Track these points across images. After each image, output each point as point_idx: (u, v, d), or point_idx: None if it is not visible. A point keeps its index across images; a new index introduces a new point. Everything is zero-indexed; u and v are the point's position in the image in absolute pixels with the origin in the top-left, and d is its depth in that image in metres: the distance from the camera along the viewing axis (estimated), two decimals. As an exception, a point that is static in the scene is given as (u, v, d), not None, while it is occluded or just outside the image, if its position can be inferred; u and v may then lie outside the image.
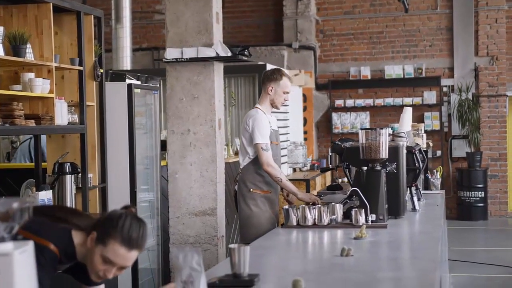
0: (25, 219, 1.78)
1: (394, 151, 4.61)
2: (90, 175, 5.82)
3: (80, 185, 5.65)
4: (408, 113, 5.68)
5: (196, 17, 5.92)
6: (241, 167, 5.46)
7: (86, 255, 2.70)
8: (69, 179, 5.47)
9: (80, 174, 5.64)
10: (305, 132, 12.51)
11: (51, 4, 5.26)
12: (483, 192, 12.49)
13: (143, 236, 2.68)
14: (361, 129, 4.54)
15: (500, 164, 12.84)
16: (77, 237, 2.72)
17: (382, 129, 4.49)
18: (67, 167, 5.46)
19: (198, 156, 5.91)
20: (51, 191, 5.24)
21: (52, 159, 5.71)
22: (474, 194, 12.47)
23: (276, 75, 5.45)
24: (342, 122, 13.12)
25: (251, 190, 5.35)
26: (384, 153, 4.46)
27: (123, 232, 2.63)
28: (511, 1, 12.85)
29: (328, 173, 11.58)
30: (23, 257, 1.74)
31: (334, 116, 13.14)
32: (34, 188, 5.45)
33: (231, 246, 2.75)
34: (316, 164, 10.99)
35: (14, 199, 1.77)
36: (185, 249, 2.65)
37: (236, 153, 8.18)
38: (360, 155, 4.51)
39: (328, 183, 11.43)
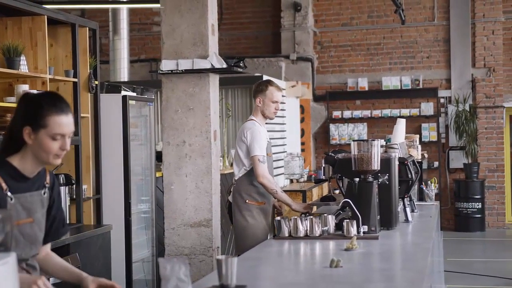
0: (7, 229, 1.79)
1: (386, 162, 4.62)
2: (84, 187, 5.84)
3: (74, 196, 5.67)
4: (401, 124, 5.70)
5: (192, 29, 5.94)
6: (236, 178, 5.50)
7: (33, 158, 2.73)
8: (63, 191, 5.48)
9: (74, 186, 5.65)
10: (302, 143, 12.53)
11: (46, 16, 5.30)
12: (480, 203, 12.49)
13: (63, 98, 2.78)
14: (353, 140, 4.55)
15: (497, 175, 12.85)
16: (12, 159, 2.74)
17: (374, 140, 4.50)
18: (62, 179, 5.48)
19: (194, 167, 5.93)
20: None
21: (46, 171, 5.72)
22: (472, 205, 12.47)
23: (262, 86, 5.53)
24: (340, 133, 13.14)
25: (247, 201, 5.38)
26: (376, 165, 4.47)
27: (50, 105, 2.70)
28: (507, 13, 12.89)
29: (325, 184, 11.59)
30: (4, 269, 1.75)
31: (332, 127, 13.16)
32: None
33: (219, 257, 2.76)
34: (313, 175, 11.00)
35: (-4, 210, 1.78)
36: (173, 260, 2.67)
37: (232, 165, 8.19)
38: (352, 167, 4.52)
39: (325, 194, 11.44)
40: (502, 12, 12.83)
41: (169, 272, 2.62)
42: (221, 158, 8.34)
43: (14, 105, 5.07)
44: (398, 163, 4.85)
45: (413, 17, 13.02)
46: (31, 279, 2.57)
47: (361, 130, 13.05)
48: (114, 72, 10.82)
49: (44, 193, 2.85)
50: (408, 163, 5.08)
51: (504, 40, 12.87)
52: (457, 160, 12.82)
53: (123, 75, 10.82)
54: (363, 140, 4.52)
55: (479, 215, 12.50)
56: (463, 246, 11.27)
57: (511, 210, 13.27)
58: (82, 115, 5.83)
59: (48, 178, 2.89)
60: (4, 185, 2.67)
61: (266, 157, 5.35)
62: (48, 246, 3.02)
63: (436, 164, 12.79)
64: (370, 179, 4.49)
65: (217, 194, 6.10)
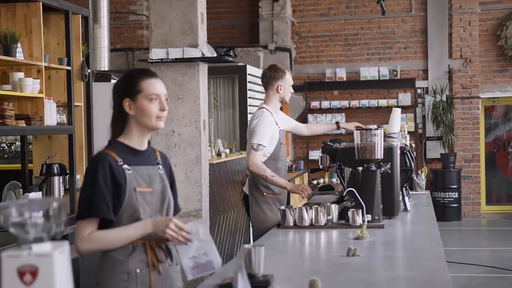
0: (63, 219, 1.75)
1: (388, 151, 4.62)
2: (78, 176, 5.75)
3: (68, 186, 5.58)
4: (397, 114, 5.70)
5: (181, 18, 5.89)
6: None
7: (137, 128, 2.90)
8: (57, 181, 5.39)
9: (68, 176, 5.56)
10: (281, 134, 12.51)
11: (41, 3, 5.19)
12: (457, 193, 12.63)
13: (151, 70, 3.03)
14: (357, 129, 4.54)
15: (473, 165, 12.99)
16: (119, 138, 2.94)
17: (377, 129, 4.49)
18: (56, 168, 5.39)
19: (183, 157, 5.89)
20: (40, 192, 5.16)
21: (39, 160, 5.63)
22: (448, 195, 12.60)
23: (280, 72, 5.35)
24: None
25: (264, 194, 5.26)
26: (379, 154, 4.46)
27: (139, 73, 2.94)
28: (484, 4, 13.01)
29: (305, 174, 11.61)
30: (62, 257, 1.72)
31: (310, 117, 13.18)
32: (21, 190, 5.35)
33: (246, 246, 2.71)
34: (293, 166, 11.00)
35: (53, 198, 1.73)
36: (188, 224, 2.68)
37: (219, 154, 8.16)
38: (355, 156, 4.50)
39: (308, 182, 11.45)
40: (478, 3, 12.94)
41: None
42: (209, 148, 8.30)
43: (10, 93, 4.97)
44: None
45: (391, 8, 13.06)
46: (165, 221, 2.78)
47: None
48: (94, 61, 10.65)
49: (160, 169, 2.98)
50: (407, 152, 5.10)
51: (480, 31, 12.99)
52: (434, 150, 12.93)
53: (104, 64, 10.66)
54: (366, 129, 4.50)
55: (455, 205, 12.64)
56: (440, 235, 11.36)
57: (485, 199, 13.44)
58: (75, 104, 5.73)
59: (158, 156, 3.03)
60: (118, 159, 2.85)
61: (282, 145, 5.26)
62: None
63: (413, 154, 12.87)
64: (373, 168, 4.48)
65: (206, 184, 6.07)
